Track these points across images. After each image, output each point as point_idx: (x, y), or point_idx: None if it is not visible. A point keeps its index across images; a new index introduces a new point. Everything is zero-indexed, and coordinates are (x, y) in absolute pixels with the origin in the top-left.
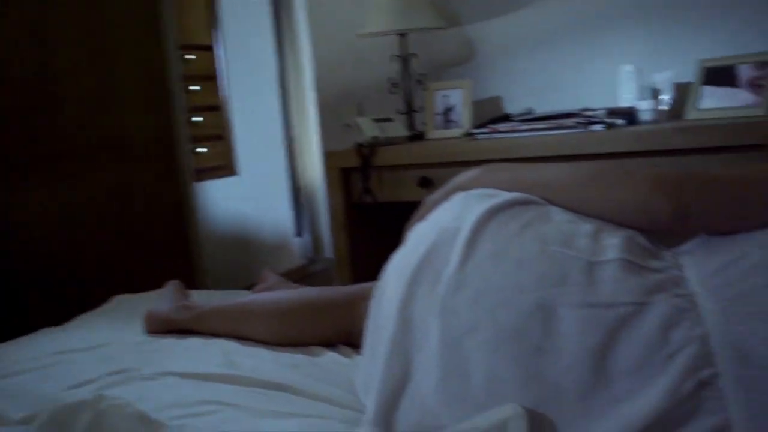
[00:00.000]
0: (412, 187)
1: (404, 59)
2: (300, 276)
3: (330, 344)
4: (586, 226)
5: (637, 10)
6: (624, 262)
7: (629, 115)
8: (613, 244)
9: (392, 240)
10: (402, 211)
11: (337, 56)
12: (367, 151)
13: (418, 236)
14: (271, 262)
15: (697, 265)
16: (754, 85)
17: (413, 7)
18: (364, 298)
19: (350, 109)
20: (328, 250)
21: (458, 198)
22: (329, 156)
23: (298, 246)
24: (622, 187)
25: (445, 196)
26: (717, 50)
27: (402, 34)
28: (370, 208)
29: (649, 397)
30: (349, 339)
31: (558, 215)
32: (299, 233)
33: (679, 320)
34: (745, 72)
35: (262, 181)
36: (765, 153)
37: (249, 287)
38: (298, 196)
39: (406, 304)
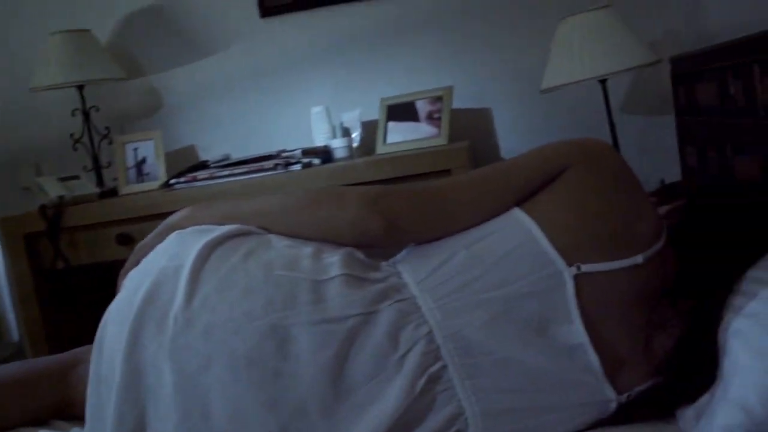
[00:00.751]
0: (110, 245)
1: (85, 113)
2: None
3: (42, 422)
4: (307, 249)
5: (324, 53)
6: (347, 277)
7: (324, 154)
8: (334, 262)
9: (96, 305)
10: (103, 272)
11: (9, 113)
12: (52, 212)
13: (135, 281)
14: None
15: (414, 271)
16: (432, 118)
17: (90, 58)
18: (78, 363)
19: (28, 170)
20: (12, 333)
21: (173, 237)
22: (5, 222)
23: None
24: (335, 208)
25: (158, 239)
26: (399, 87)
27: (80, 87)
28: (65, 275)
29: (389, 399)
30: (65, 411)
31: (278, 242)
32: None
33: (405, 323)
34: (422, 107)
35: None
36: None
37: None
38: None
39: (131, 352)
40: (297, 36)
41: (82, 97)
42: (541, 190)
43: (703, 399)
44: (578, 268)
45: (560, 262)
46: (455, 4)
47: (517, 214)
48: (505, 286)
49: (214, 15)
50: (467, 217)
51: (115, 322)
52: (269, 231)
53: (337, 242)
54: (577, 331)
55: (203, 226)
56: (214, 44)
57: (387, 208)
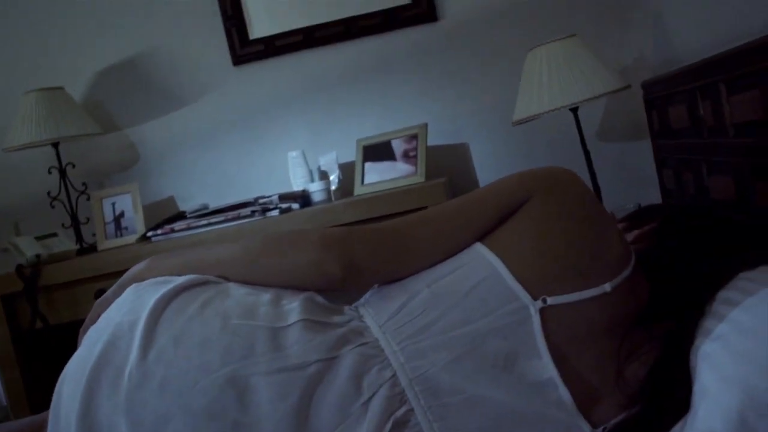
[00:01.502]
0: (89, 302)
1: (62, 170)
2: None
3: None
4: (266, 296)
5: (298, 98)
6: (306, 322)
7: (302, 198)
8: (293, 308)
9: None
10: None
11: None
12: (29, 272)
13: (92, 338)
14: None
15: (376, 313)
16: (408, 156)
17: (64, 115)
18: (45, 425)
19: (7, 230)
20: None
21: (129, 291)
22: None
23: None
24: (293, 253)
25: (117, 293)
26: (375, 128)
27: (55, 144)
28: (45, 334)
29: None
30: None
31: (237, 290)
32: None
33: (368, 367)
34: (398, 146)
35: None
36: None
37: None
38: None
39: (86, 411)
40: (270, 82)
41: (58, 155)
42: (504, 223)
43: (676, 427)
44: (544, 301)
45: (525, 296)
46: (425, 44)
47: (480, 249)
48: (469, 323)
49: (187, 66)
50: (428, 254)
51: (71, 380)
52: (228, 279)
53: (297, 287)
54: (545, 366)
55: (161, 278)
56: (188, 95)
57: (345, 251)
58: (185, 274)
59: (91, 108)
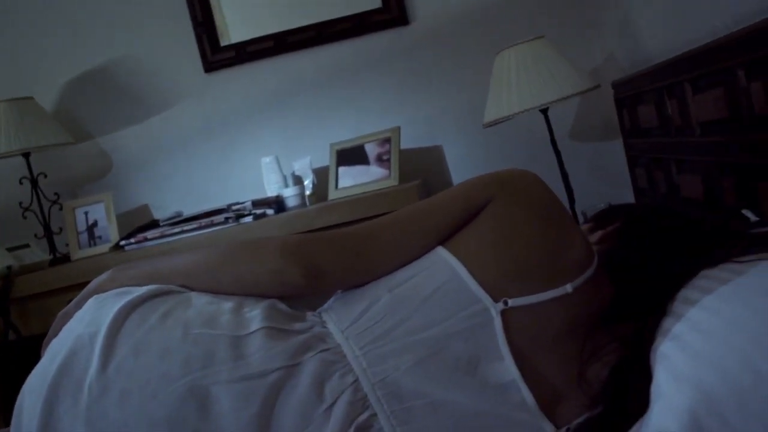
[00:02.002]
0: None
1: (33, 180)
2: None
3: None
4: (228, 304)
5: (271, 103)
6: (268, 330)
7: (277, 204)
8: (254, 315)
9: None
10: None
11: None
12: (1, 283)
13: (53, 351)
14: None
15: (338, 319)
16: (382, 160)
17: (34, 125)
18: None
19: None
20: None
21: (90, 303)
22: None
23: None
24: (254, 261)
25: (77, 305)
26: (348, 132)
27: (26, 155)
28: (18, 346)
29: None
30: None
31: (198, 299)
32: None
33: (330, 373)
34: (371, 149)
35: None
36: None
37: None
38: None
39: (47, 423)
40: (242, 88)
41: (29, 165)
42: (466, 226)
43: (635, 428)
44: (505, 303)
45: (486, 299)
46: (396, 47)
47: (441, 252)
48: (431, 327)
49: (158, 73)
50: (389, 258)
51: (31, 393)
52: (191, 288)
53: (259, 295)
54: (507, 368)
55: (122, 289)
56: (160, 102)
57: (306, 256)
58: (148, 284)
59: (62, 117)
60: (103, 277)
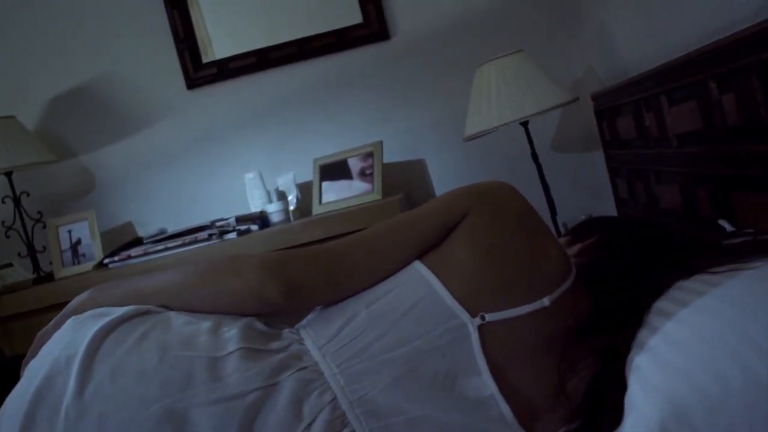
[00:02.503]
0: None
1: (16, 199)
2: None
3: None
4: (206, 324)
5: (254, 119)
6: (244, 350)
7: (261, 219)
8: (231, 336)
9: None
10: None
11: None
12: None
13: (31, 373)
14: None
15: (316, 336)
16: (365, 174)
17: (16, 144)
18: None
19: None
20: None
21: (68, 325)
22: None
23: None
24: (232, 279)
25: (56, 326)
26: (332, 146)
27: (8, 173)
28: (1, 367)
29: None
30: None
31: (177, 319)
32: None
33: (307, 392)
34: (354, 164)
35: None
36: None
37: None
38: None
39: None
40: (225, 105)
41: (11, 184)
42: (444, 240)
43: None
44: (482, 318)
45: (463, 314)
46: (378, 62)
47: (418, 267)
48: (408, 343)
49: (141, 91)
50: (369, 274)
51: (8, 417)
52: (170, 308)
53: (238, 313)
54: (485, 383)
55: (100, 310)
56: (142, 120)
57: (284, 274)
58: (127, 303)
59: (44, 135)
60: (83, 296)
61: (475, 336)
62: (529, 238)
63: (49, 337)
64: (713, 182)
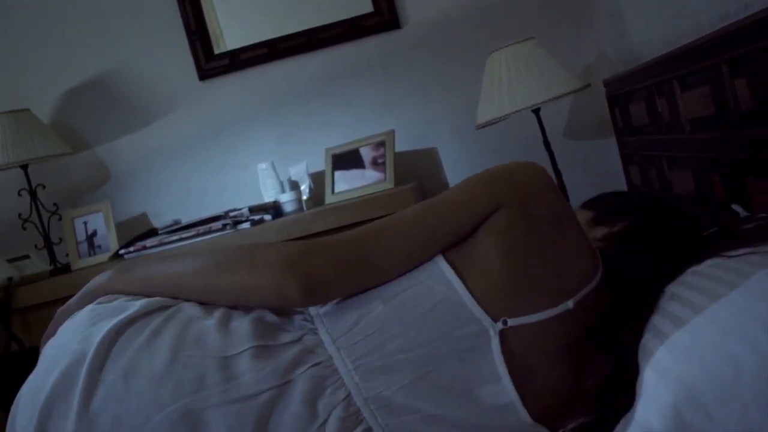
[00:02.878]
0: None
1: (32, 192)
2: None
3: None
4: (216, 315)
5: (266, 110)
6: (256, 349)
7: (274, 209)
8: (242, 331)
9: None
10: None
11: None
12: (2, 295)
13: (49, 359)
14: None
15: (331, 327)
16: (377, 163)
17: (32, 137)
18: None
19: None
20: None
21: (87, 314)
22: None
23: None
24: (252, 275)
25: (78, 305)
26: (344, 136)
27: (24, 166)
28: (20, 357)
29: None
30: None
31: (189, 311)
32: None
33: (321, 389)
34: (366, 153)
35: None
36: None
37: None
38: None
39: None
40: (237, 95)
41: (28, 176)
42: (471, 235)
43: (620, 425)
44: (504, 323)
45: (485, 319)
46: (389, 51)
47: (440, 264)
48: (426, 345)
49: (153, 82)
50: (393, 266)
51: (26, 407)
52: (186, 294)
53: (255, 306)
54: (504, 389)
55: (118, 303)
56: (155, 111)
57: (304, 271)
58: (145, 290)
59: (59, 128)
60: (104, 277)
61: (495, 341)
62: (560, 238)
63: (70, 314)
64: (726, 167)
